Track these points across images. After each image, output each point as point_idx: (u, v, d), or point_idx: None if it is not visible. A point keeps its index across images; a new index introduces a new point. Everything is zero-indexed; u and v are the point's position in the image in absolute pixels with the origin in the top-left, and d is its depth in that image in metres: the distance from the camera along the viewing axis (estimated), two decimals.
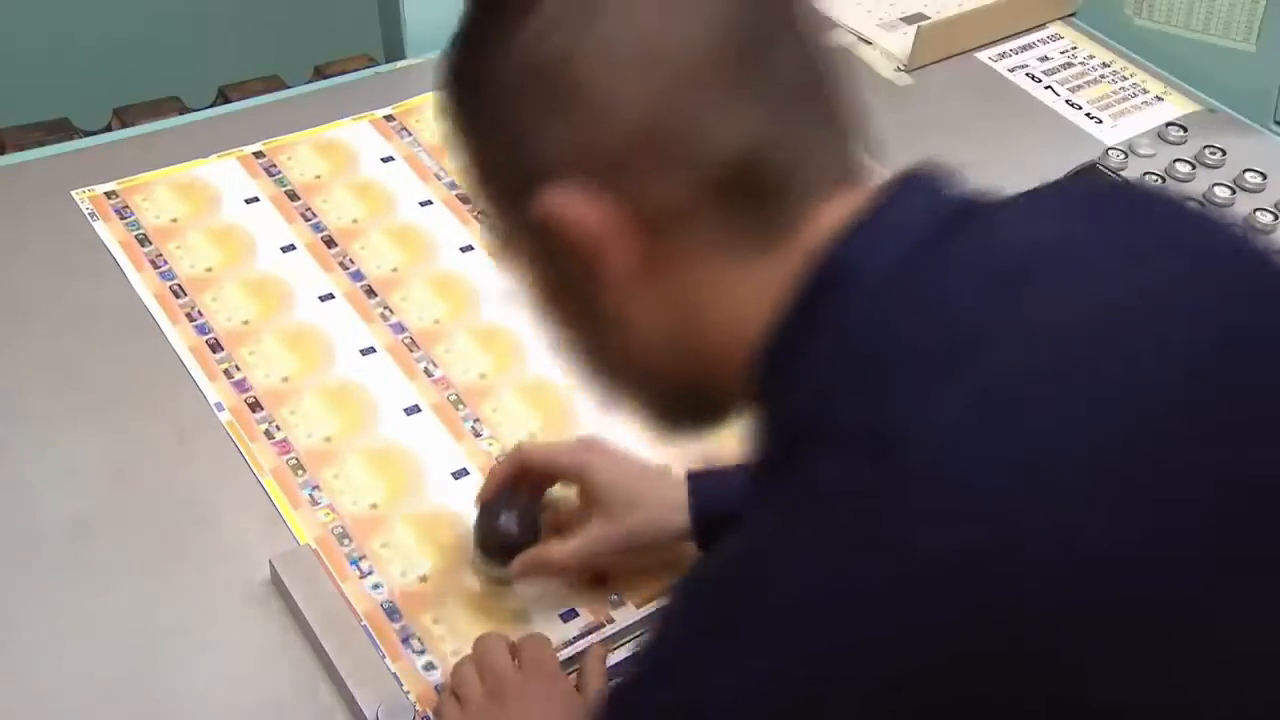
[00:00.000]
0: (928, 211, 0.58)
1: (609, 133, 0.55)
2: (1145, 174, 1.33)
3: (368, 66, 1.46)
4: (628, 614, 0.92)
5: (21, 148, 1.30)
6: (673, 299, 0.58)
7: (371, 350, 1.10)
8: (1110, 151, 1.37)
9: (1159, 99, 1.48)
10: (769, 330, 0.57)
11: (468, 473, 1.01)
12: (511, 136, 0.58)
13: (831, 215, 0.57)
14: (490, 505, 0.92)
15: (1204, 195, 1.32)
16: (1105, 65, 1.52)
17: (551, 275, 0.62)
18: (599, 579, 0.93)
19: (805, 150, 0.58)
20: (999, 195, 0.61)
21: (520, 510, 0.90)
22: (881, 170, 0.61)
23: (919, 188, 0.60)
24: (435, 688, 0.86)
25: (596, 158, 0.56)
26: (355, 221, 1.22)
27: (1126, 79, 1.50)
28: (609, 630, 0.91)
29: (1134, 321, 0.54)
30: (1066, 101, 1.46)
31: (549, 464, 0.92)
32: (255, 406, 1.04)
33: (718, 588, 0.55)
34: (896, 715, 0.50)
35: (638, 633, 0.92)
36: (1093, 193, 0.67)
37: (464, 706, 0.83)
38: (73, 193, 1.22)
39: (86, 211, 1.20)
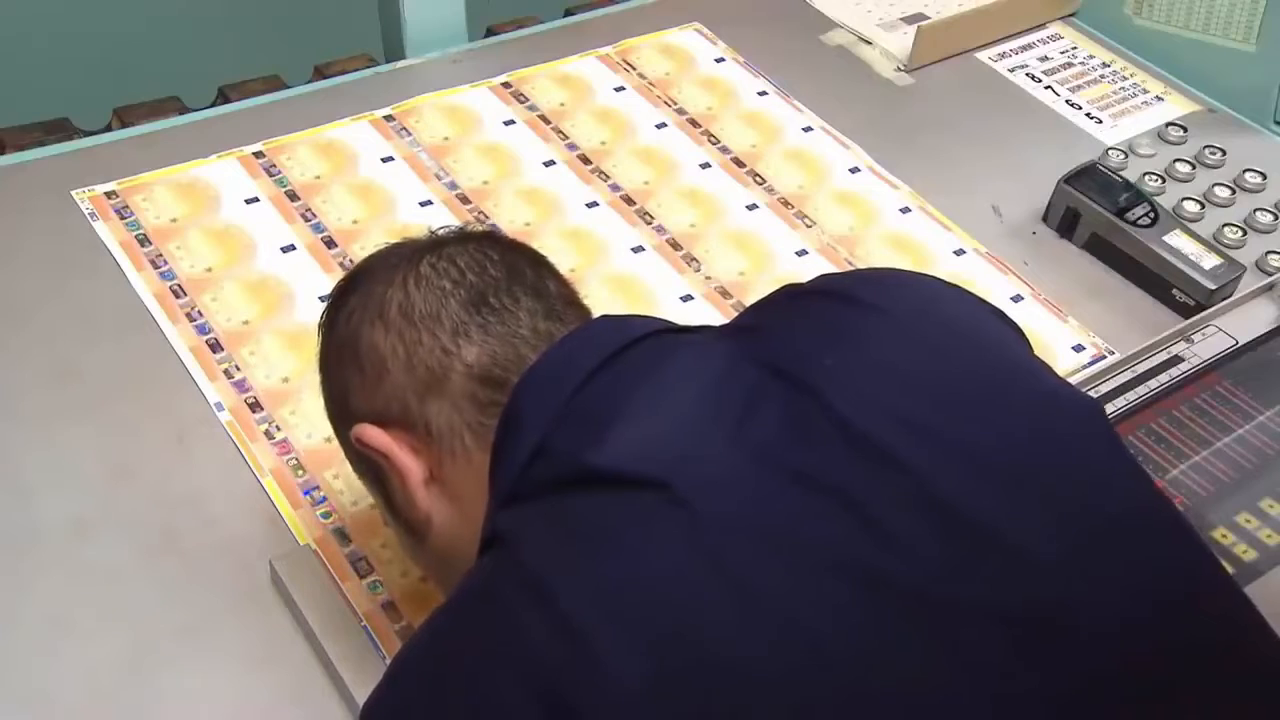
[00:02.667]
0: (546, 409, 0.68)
1: (386, 382, 0.75)
2: (1145, 174, 1.33)
3: (368, 66, 1.46)
4: None
5: (21, 148, 1.30)
6: (453, 491, 0.74)
7: None
8: (1110, 151, 1.37)
9: (1159, 99, 1.48)
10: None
11: None
12: (339, 386, 0.79)
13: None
14: None
15: (1204, 195, 1.32)
16: (1105, 65, 1.53)
17: (382, 488, 0.78)
18: None
19: (520, 352, 0.74)
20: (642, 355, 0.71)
21: None
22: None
23: (548, 376, 0.70)
24: None
25: (381, 401, 0.75)
26: (355, 222, 1.22)
27: (1126, 79, 1.50)
28: None
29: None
30: (1066, 101, 1.46)
31: None
32: (255, 406, 1.04)
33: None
34: None
35: None
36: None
37: None
38: (73, 193, 1.22)
39: (86, 211, 1.20)
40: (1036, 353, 0.77)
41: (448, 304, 0.75)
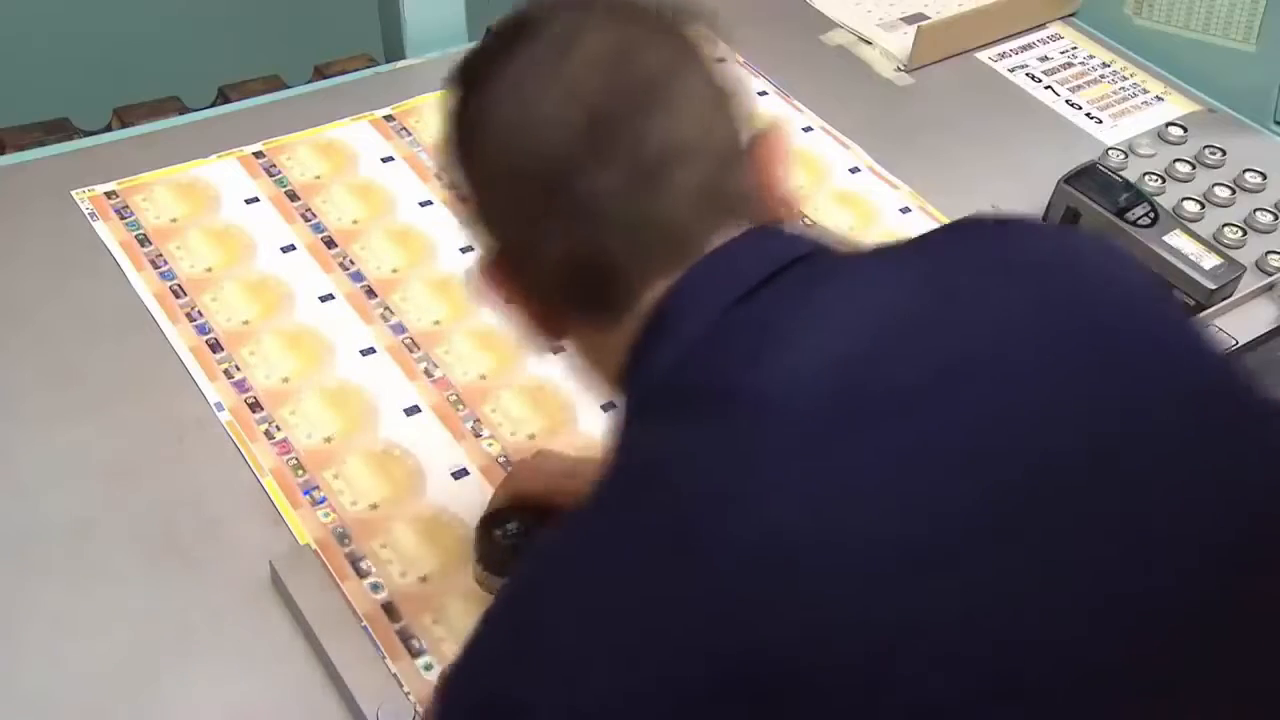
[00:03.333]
0: (731, 276, 0.66)
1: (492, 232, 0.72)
2: (1145, 174, 1.33)
3: (368, 66, 1.46)
4: None
5: (21, 148, 1.30)
6: (583, 347, 0.74)
7: (371, 351, 1.10)
8: (1110, 151, 1.37)
9: (1159, 99, 1.48)
10: (617, 374, 0.70)
11: (468, 473, 1.01)
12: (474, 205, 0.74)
13: (661, 287, 0.67)
14: (488, 519, 0.92)
15: (1204, 195, 1.32)
16: (1105, 65, 1.52)
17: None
18: None
19: (631, 247, 0.67)
20: (844, 251, 0.69)
21: (519, 523, 0.90)
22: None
23: (733, 255, 0.67)
24: (436, 688, 0.86)
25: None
26: (355, 222, 1.22)
27: (1126, 79, 1.50)
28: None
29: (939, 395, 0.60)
30: (1066, 101, 1.46)
31: (543, 490, 0.92)
32: (255, 406, 1.04)
33: (526, 585, 0.63)
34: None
35: None
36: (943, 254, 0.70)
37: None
38: (73, 193, 1.22)
39: (86, 211, 1.20)
40: None
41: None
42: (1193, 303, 1.19)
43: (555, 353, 0.77)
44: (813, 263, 0.67)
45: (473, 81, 0.72)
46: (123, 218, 1.20)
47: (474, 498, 0.99)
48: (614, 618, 0.57)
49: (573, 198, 0.66)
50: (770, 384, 0.61)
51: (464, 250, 1.20)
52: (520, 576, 0.65)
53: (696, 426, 0.61)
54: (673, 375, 0.65)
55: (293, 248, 1.19)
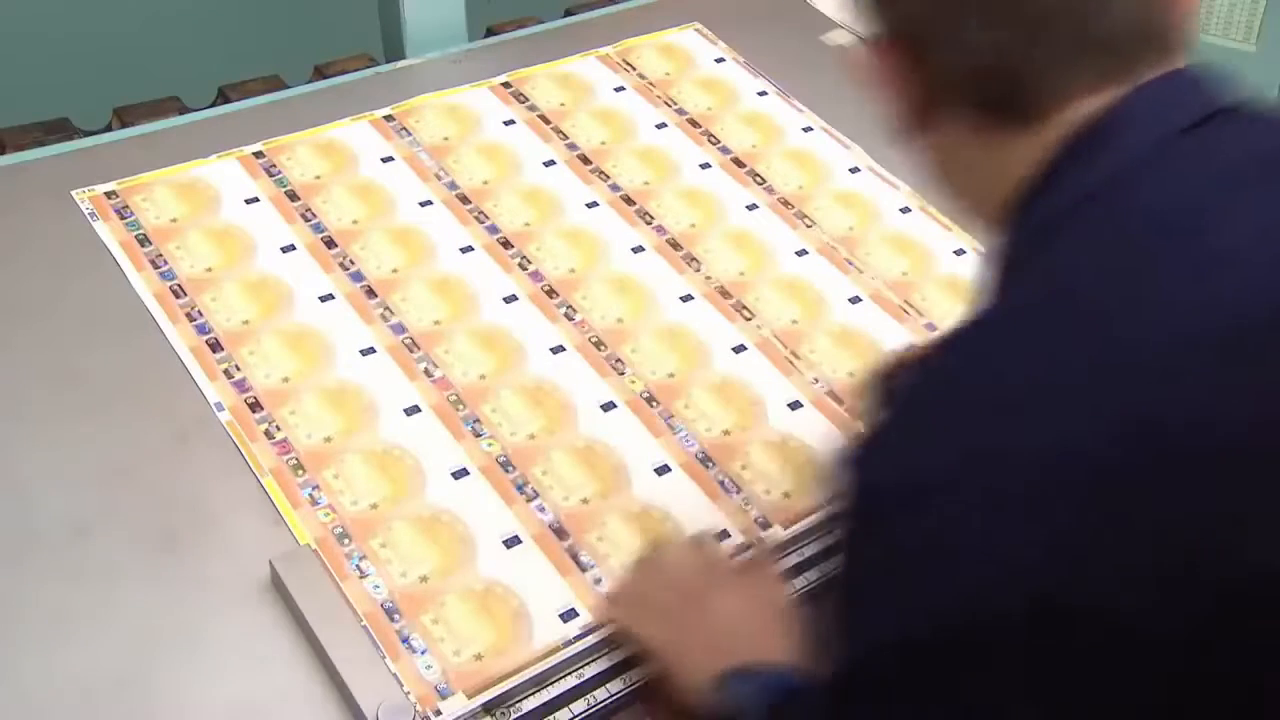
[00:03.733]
0: (1173, 108, 0.66)
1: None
2: None
3: (368, 66, 1.46)
4: None
5: (21, 148, 1.30)
6: (950, 153, 0.73)
7: (371, 351, 1.10)
8: None
9: None
10: (1028, 181, 0.67)
11: (468, 473, 1.01)
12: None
13: (1091, 104, 0.66)
14: (898, 360, 1.00)
15: None
16: None
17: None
18: None
19: (1062, 57, 0.66)
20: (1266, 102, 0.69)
21: None
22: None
23: (1176, 86, 0.67)
24: (437, 688, 0.86)
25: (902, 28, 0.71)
26: (355, 222, 1.22)
27: None
28: (609, 630, 0.91)
29: None
30: None
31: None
32: (255, 406, 1.04)
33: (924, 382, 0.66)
34: (1110, 517, 0.54)
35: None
36: None
37: (654, 608, 0.88)
38: (73, 193, 1.22)
39: (86, 211, 1.20)
40: None
41: None
42: None
43: (913, 145, 0.76)
44: (1237, 114, 0.67)
45: None
46: (123, 218, 1.20)
47: (474, 498, 0.99)
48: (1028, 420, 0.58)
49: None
50: (1237, 228, 0.60)
51: (464, 250, 1.20)
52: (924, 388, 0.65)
53: (1140, 250, 0.61)
54: (1109, 190, 0.64)
55: (293, 248, 1.19)
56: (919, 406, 0.64)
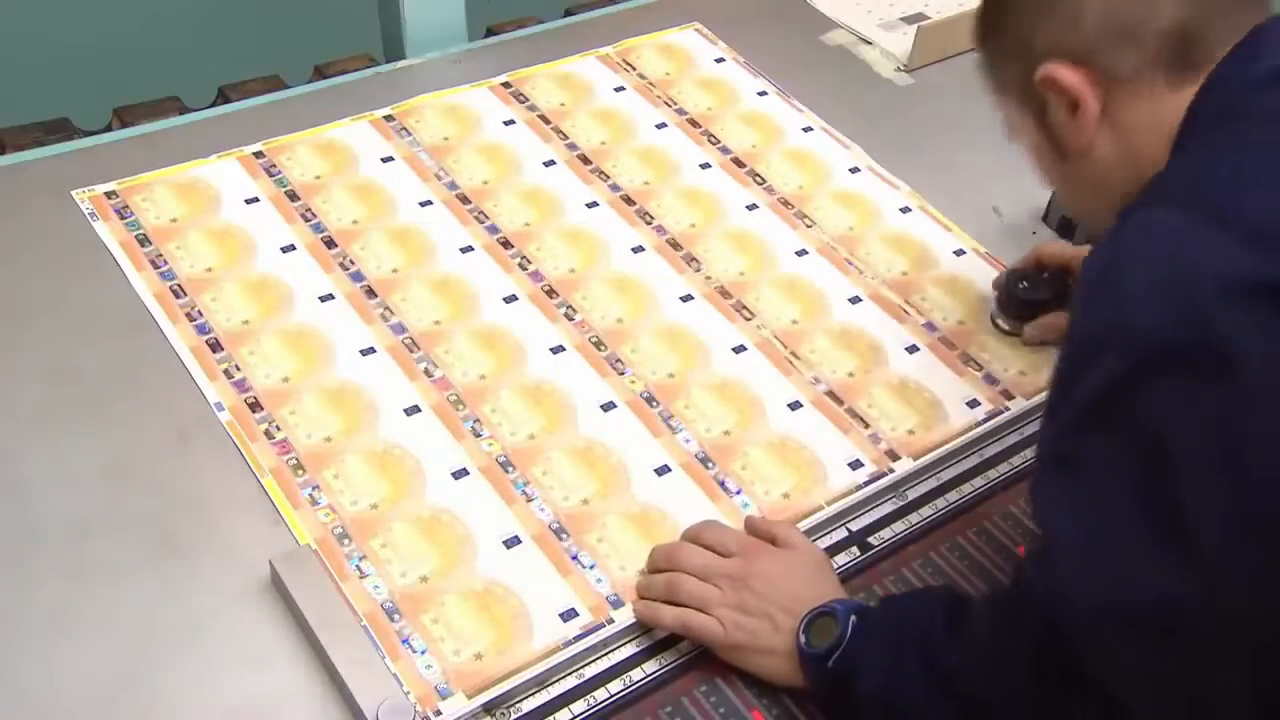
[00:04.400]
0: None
1: (1079, 30, 0.84)
2: None
3: (368, 66, 1.46)
4: (626, 614, 0.92)
5: (21, 148, 1.30)
6: (1119, 130, 0.85)
7: (371, 351, 1.10)
8: None
9: None
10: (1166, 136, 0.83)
11: (468, 473, 1.01)
12: (1023, 29, 0.87)
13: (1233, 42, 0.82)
14: (1015, 271, 1.16)
15: None
16: None
17: (1042, 125, 0.89)
18: None
19: (1218, 18, 0.82)
20: None
21: (1042, 278, 1.14)
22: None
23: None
24: (437, 688, 0.86)
25: (1073, 45, 0.84)
26: (355, 222, 1.22)
27: None
28: (609, 630, 0.91)
29: None
30: None
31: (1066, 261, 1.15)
32: (255, 406, 1.04)
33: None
34: None
35: (636, 634, 0.92)
36: None
37: (712, 579, 0.90)
38: (73, 193, 1.22)
39: (86, 211, 1.20)
40: None
41: None
42: None
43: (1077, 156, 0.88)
44: None
45: None
46: (123, 218, 1.20)
47: (474, 498, 0.99)
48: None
49: None
50: None
51: (464, 250, 1.20)
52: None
53: None
54: (1275, 70, 0.79)
55: (293, 248, 1.19)
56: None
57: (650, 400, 1.08)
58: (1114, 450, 0.70)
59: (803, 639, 0.86)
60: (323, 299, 1.14)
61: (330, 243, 1.20)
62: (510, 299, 1.16)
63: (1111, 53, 0.83)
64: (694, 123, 1.39)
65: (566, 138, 1.35)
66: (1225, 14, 0.82)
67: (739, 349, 1.14)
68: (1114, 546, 0.70)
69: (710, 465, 1.03)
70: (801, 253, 1.24)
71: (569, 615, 0.92)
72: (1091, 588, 0.70)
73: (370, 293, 1.15)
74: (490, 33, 1.57)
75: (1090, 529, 0.71)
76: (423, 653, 0.89)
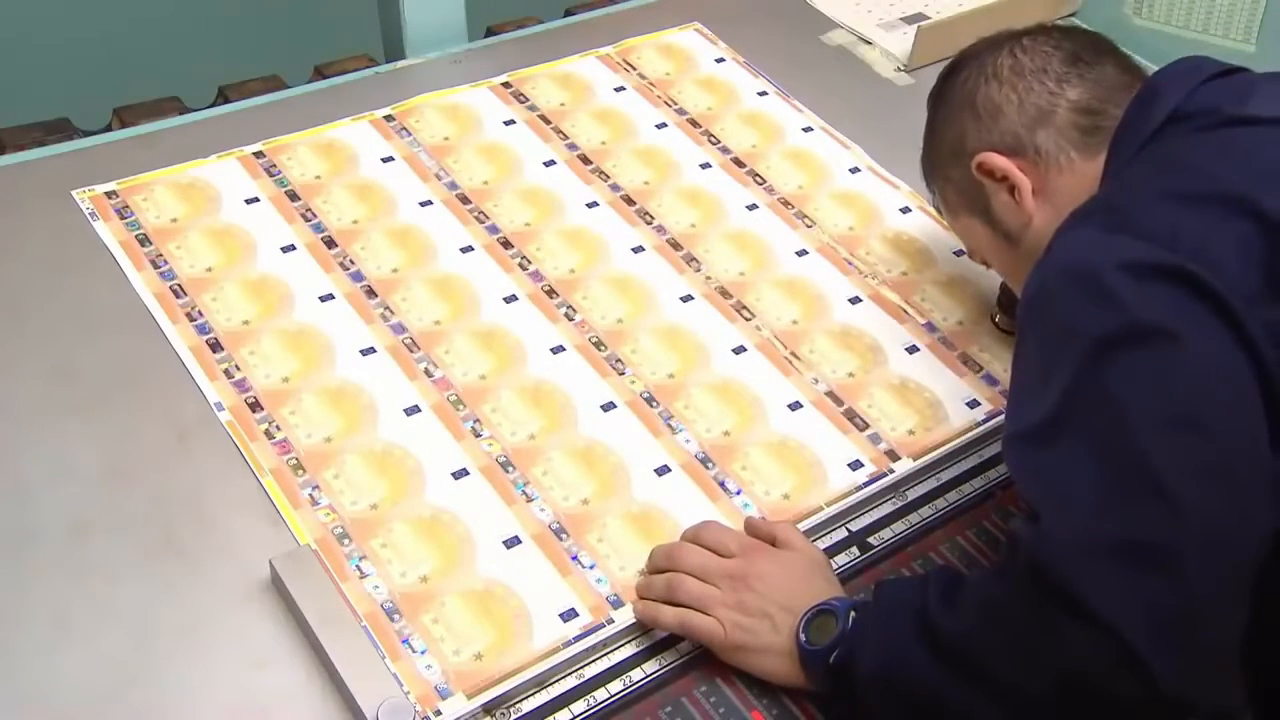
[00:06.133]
0: (1180, 91, 0.93)
1: (1000, 124, 1.00)
2: None
3: (368, 66, 1.46)
4: (626, 614, 0.92)
5: (21, 148, 1.30)
6: (1051, 200, 0.98)
7: (371, 351, 1.10)
8: None
9: None
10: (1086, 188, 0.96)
11: (468, 473, 1.01)
12: (953, 135, 1.04)
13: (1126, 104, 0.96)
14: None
15: None
16: None
17: (988, 219, 1.03)
18: None
19: (1109, 95, 0.98)
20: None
21: None
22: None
23: (1178, 76, 0.95)
24: (437, 688, 0.86)
25: (996, 137, 1.00)
26: (355, 222, 1.22)
27: None
28: (609, 631, 0.91)
29: None
30: None
31: None
32: (255, 406, 1.04)
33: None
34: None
35: (636, 634, 0.92)
36: None
37: (712, 579, 0.90)
38: (73, 193, 1.22)
39: (86, 211, 1.20)
40: None
41: (1050, 62, 1.00)
42: None
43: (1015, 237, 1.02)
44: (1235, 72, 0.95)
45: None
46: (123, 218, 1.20)
47: (474, 498, 0.99)
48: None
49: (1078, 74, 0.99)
50: (1260, 111, 0.89)
51: (464, 250, 1.20)
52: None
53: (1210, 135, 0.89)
54: (1175, 114, 0.91)
55: (293, 248, 1.19)
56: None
57: (650, 400, 1.08)
58: (1083, 424, 0.78)
59: (803, 637, 0.86)
60: (323, 299, 1.14)
61: (330, 243, 1.20)
62: (510, 299, 1.16)
63: (1030, 136, 0.98)
64: (694, 123, 1.39)
65: (566, 138, 1.35)
66: (1115, 83, 0.98)
67: (739, 349, 1.14)
68: (1092, 494, 0.76)
69: (710, 465, 1.03)
70: (802, 253, 1.24)
71: (569, 615, 0.92)
72: (1074, 529, 0.75)
73: (370, 293, 1.15)
74: (490, 33, 1.57)
75: (1072, 483, 0.77)
76: (423, 653, 0.89)
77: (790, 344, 1.14)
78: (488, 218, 1.24)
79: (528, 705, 0.87)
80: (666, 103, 1.42)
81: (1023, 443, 0.82)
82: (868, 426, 1.08)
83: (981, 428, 1.08)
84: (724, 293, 1.19)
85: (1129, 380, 0.77)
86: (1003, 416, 1.09)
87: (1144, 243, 0.80)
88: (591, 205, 1.27)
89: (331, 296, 1.14)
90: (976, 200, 1.03)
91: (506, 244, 1.22)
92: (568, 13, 1.62)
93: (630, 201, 1.28)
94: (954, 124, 1.04)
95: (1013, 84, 1.00)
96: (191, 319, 1.11)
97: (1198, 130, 0.90)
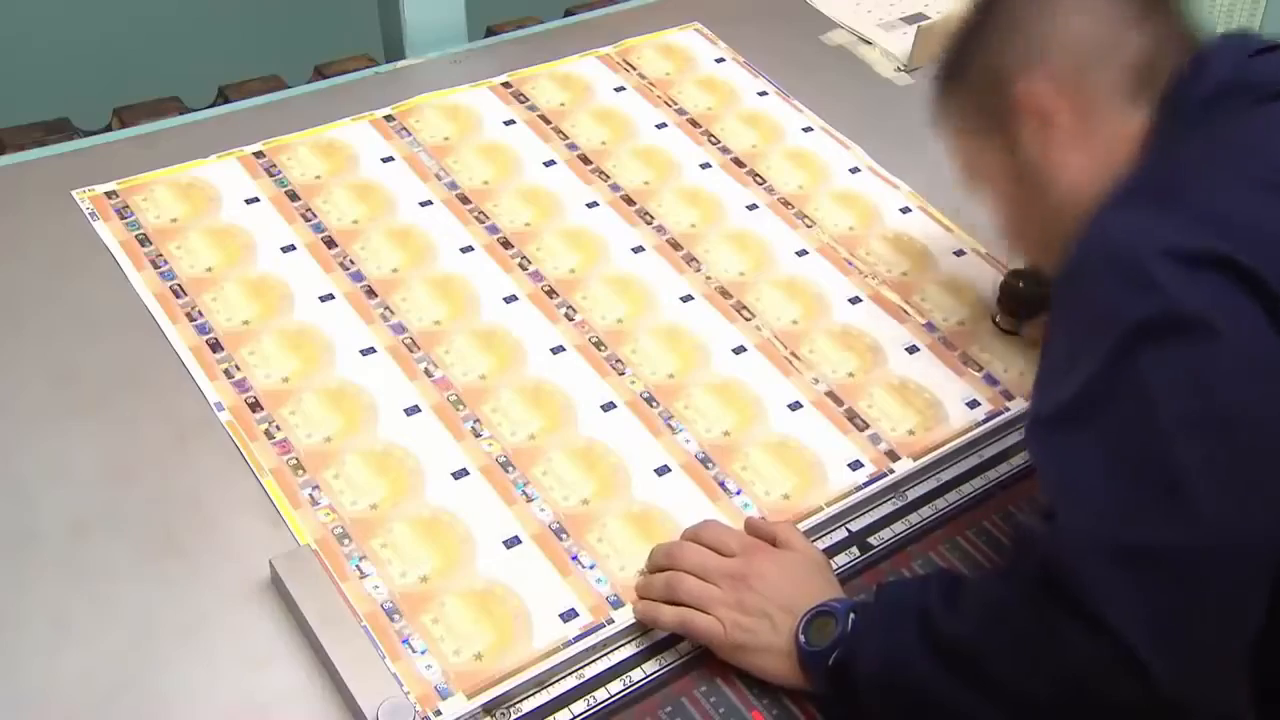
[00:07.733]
0: (1230, 63, 0.89)
1: (1049, 57, 0.92)
2: None
3: (368, 66, 1.46)
4: (627, 614, 0.92)
5: (21, 148, 1.30)
6: (1088, 145, 0.91)
7: (371, 351, 1.10)
8: None
9: None
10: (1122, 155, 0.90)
11: (468, 473, 1.01)
12: (995, 51, 0.96)
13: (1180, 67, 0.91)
14: (1015, 271, 1.15)
15: None
16: None
17: (1011, 153, 0.94)
18: None
19: (1170, 46, 0.91)
20: None
21: (1042, 278, 1.10)
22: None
23: (1227, 48, 0.91)
24: (437, 688, 0.86)
25: (1043, 69, 0.92)
26: (355, 222, 1.22)
27: None
28: (609, 631, 0.91)
29: None
30: None
31: None
32: (255, 406, 1.04)
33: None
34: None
35: (636, 634, 0.92)
36: None
37: (712, 578, 0.90)
38: (73, 193, 1.22)
39: (86, 211, 1.20)
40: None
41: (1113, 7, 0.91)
42: None
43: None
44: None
45: None
46: (123, 218, 1.20)
47: (474, 498, 0.99)
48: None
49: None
50: None
51: (464, 250, 1.20)
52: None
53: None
54: (1226, 85, 0.87)
55: (293, 248, 1.19)
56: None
57: (650, 400, 1.08)
58: (1106, 413, 0.76)
59: (802, 639, 0.86)
60: (323, 299, 1.14)
61: (330, 243, 1.20)
62: (510, 299, 1.16)
63: (1080, 76, 0.90)
64: (694, 123, 1.39)
65: (566, 138, 1.35)
66: (1174, 42, 0.91)
67: (739, 349, 1.14)
68: (1107, 490, 0.74)
69: (710, 465, 1.03)
70: (802, 253, 1.24)
71: (569, 615, 0.92)
72: (1085, 526, 0.74)
73: (370, 293, 1.15)
74: (490, 33, 1.57)
75: (1088, 476, 0.75)
76: (423, 653, 0.89)
77: (790, 344, 1.14)
78: (488, 218, 1.24)
79: (528, 705, 0.87)
80: (666, 103, 1.42)
81: (1042, 427, 0.80)
82: (868, 426, 1.08)
83: (982, 428, 1.08)
84: (724, 293, 1.19)
85: (1161, 371, 0.73)
86: (1002, 417, 1.09)
87: (1198, 227, 0.76)
88: (591, 205, 1.27)
89: (331, 296, 1.14)
90: (999, 128, 0.95)
91: (506, 244, 1.22)
92: (568, 13, 1.62)
93: (630, 201, 1.28)
94: (994, 44, 0.95)
95: (1080, 10, 0.91)
96: (191, 319, 1.11)
97: (1257, 103, 0.85)
